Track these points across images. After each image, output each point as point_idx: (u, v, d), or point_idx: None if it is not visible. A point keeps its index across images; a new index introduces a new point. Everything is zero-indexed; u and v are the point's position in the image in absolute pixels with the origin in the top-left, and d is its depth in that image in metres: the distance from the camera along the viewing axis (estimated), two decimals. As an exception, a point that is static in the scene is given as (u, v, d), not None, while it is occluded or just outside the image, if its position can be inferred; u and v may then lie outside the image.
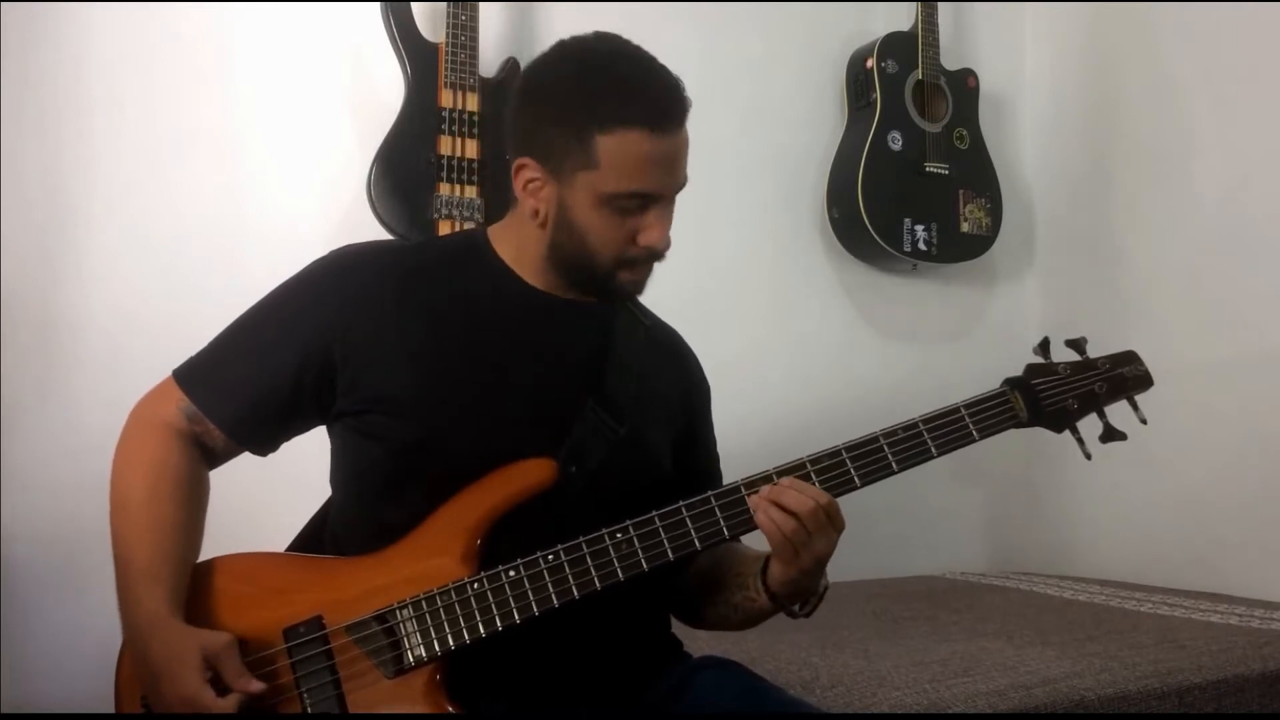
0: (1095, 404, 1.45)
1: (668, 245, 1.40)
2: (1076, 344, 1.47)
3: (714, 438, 1.63)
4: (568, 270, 1.42)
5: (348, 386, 1.39)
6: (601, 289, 1.43)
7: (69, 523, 2.16)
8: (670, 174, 1.37)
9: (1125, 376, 1.46)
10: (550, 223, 1.39)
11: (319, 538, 1.49)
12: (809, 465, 1.35)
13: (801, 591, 1.37)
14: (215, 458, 1.44)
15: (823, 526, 1.30)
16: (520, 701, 1.33)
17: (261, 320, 1.44)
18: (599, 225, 1.37)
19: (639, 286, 1.44)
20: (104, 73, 2.43)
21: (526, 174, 1.39)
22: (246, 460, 1.48)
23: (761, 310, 3.10)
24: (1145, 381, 1.47)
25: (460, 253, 1.49)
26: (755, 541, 1.47)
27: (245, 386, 1.40)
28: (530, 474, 1.34)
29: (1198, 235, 2.89)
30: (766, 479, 1.34)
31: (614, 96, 1.33)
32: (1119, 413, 1.46)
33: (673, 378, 1.55)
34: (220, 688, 1.25)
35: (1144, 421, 1.45)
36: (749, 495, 1.33)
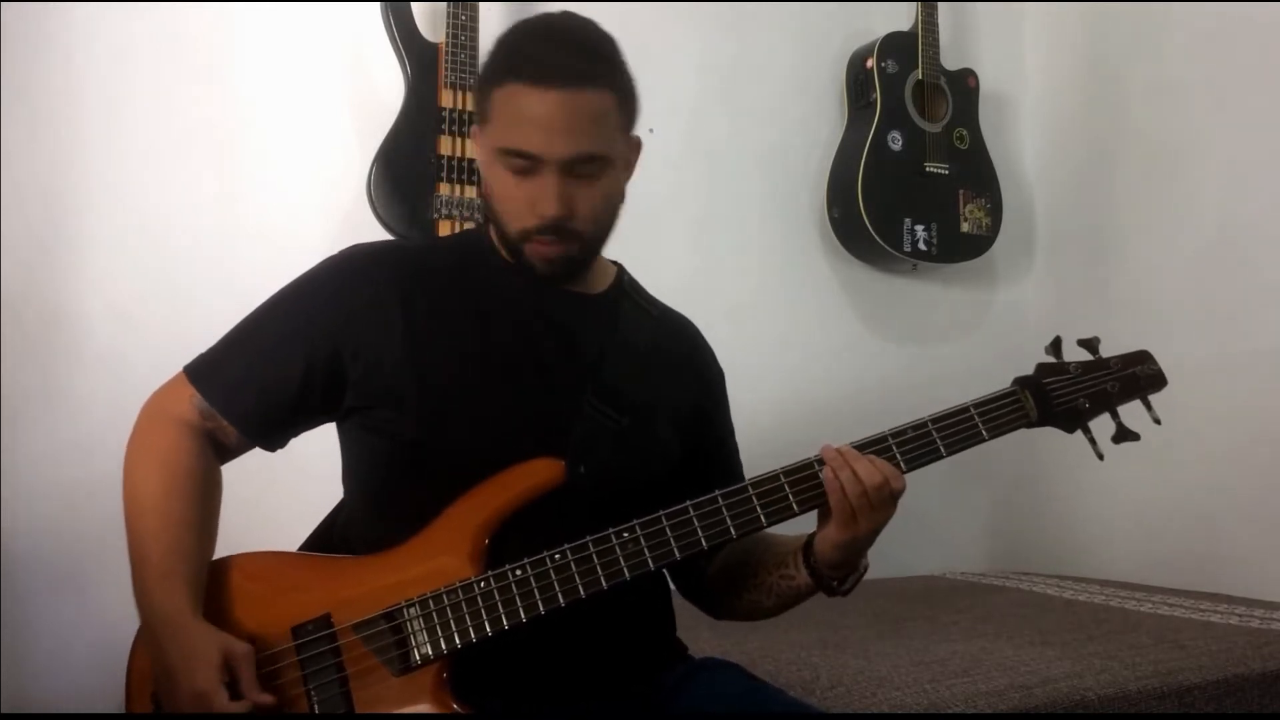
0: (1107, 404, 1.44)
1: (561, 215, 1.36)
2: (1089, 343, 1.45)
3: (730, 425, 1.62)
4: (499, 236, 1.43)
5: (357, 383, 1.40)
6: (524, 259, 1.42)
7: (70, 521, 2.15)
8: (553, 138, 1.33)
9: (1138, 376, 1.45)
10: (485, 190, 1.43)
11: (330, 537, 1.50)
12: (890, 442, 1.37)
13: (847, 563, 1.38)
14: (228, 452, 1.45)
15: (885, 501, 1.32)
16: (524, 700, 1.34)
17: (272, 318, 1.45)
18: (498, 185, 1.39)
19: (552, 265, 1.41)
20: (104, 72, 2.43)
21: (475, 142, 1.44)
22: (259, 459, 1.49)
23: (760, 310, 3.09)
24: (1159, 381, 1.45)
25: (464, 251, 1.51)
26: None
27: (255, 383, 1.41)
28: (538, 474, 1.35)
29: (1198, 235, 2.89)
30: (774, 479, 1.35)
31: (507, 53, 1.37)
32: (1131, 412, 1.45)
33: (681, 367, 1.55)
34: (232, 693, 1.25)
35: (1158, 421, 1.43)
36: (819, 463, 1.35)
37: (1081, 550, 3.16)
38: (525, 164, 1.35)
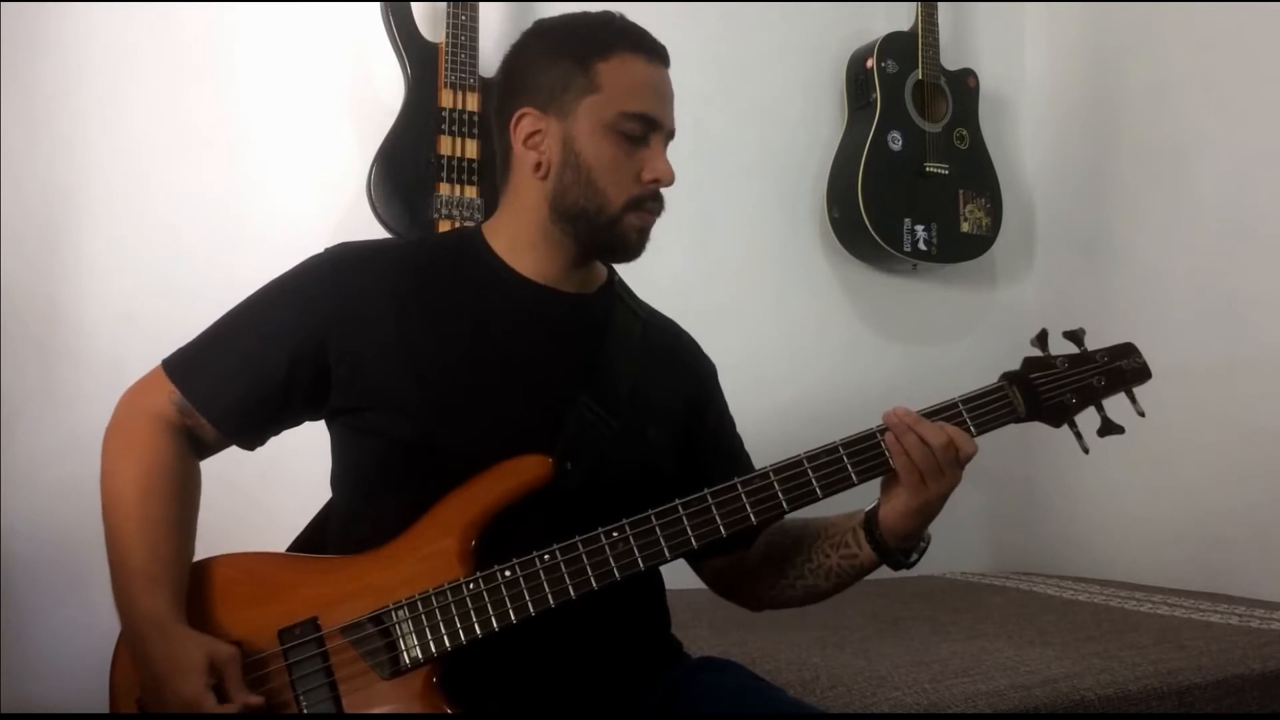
0: (1093, 398, 1.42)
1: (673, 180, 1.40)
2: (1074, 336, 1.44)
3: (728, 417, 1.62)
4: (573, 219, 1.40)
5: (343, 385, 1.38)
6: (607, 238, 1.41)
7: (71, 520, 2.15)
8: (666, 106, 1.42)
9: (1123, 369, 1.43)
10: (554, 169, 1.40)
11: (320, 538, 1.49)
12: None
13: (915, 533, 1.38)
14: (206, 448, 1.43)
15: (951, 461, 1.33)
16: (517, 702, 1.33)
17: (255, 314, 1.43)
18: (605, 156, 1.38)
19: (644, 235, 1.43)
20: (104, 72, 2.43)
21: (527, 124, 1.41)
22: (247, 460, 1.48)
23: (761, 311, 3.10)
24: (1143, 374, 1.44)
25: (455, 249, 1.49)
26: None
27: (236, 381, 1.39)
28: (525, 471, 1.33)
29: (1198, 235, 2.89)
30: (763, 476, 1.34)
31: (607, 29, 1.41)
32: (1117, 406, 1.45)
33: (672, 370, 1.54)
34: (219, 696, 1.24)
35: (1142, 414, 1.42)
36: (881, 432, 1.35)
37: (1081, 550, 3.16)
38: (641, 130, 1.39)
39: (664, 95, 1.42)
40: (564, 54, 1.39)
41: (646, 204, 1.41)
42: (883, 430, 1.36)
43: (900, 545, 1.39)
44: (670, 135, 1.43)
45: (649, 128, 1.39)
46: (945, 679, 1.79)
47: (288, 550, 1.49)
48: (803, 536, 1.47)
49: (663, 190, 1.42)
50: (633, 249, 1.43)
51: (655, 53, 1.41)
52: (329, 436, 1.47)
